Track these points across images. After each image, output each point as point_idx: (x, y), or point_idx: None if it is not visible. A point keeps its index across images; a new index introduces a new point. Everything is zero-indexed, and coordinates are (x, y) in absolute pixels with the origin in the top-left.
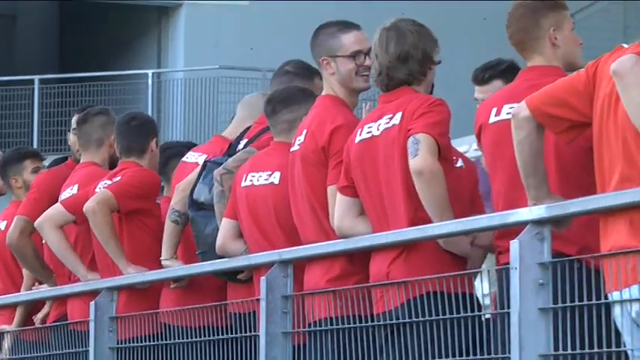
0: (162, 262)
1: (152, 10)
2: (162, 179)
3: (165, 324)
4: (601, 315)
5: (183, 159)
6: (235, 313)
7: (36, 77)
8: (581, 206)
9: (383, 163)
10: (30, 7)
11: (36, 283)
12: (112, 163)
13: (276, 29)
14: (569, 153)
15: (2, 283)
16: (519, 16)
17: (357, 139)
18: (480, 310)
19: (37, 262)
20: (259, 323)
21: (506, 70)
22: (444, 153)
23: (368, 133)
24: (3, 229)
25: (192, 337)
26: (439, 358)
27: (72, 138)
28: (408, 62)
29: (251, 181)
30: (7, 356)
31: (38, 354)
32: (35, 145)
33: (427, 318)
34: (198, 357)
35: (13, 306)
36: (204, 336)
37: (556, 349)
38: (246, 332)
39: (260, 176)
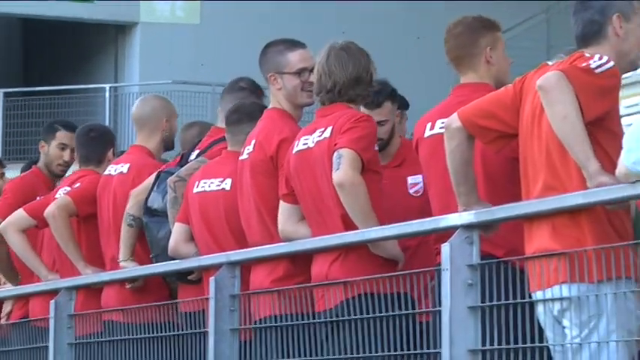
0: (120, 263)
1: (110, 29)
2: None
3: (112, 321)
4: (525, 313)
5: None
6: (186, 312)
7: (1, 90)
8: (507, 212)
9: (317, 173)
10: None
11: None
12: None
13: (224, 47)
14: (496, 163)
15: None
16: (458, 34)
17: (295, 150)
18: (413, 308)
19: (7, 264)
20: (208, 321)
21: (393, 92)
22: (369, 165)
23: (304, 144)
24: None
25: (140, 334)
26: (376, 353)
27: (54, 150)
28: (361, 84)
29: (203, 187)
30: None
31: (1, 349)
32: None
33: (364, 316)
34: (151, 352)
35: None
36: (152, 332)
37: (484, 344)
38: (195, 329)
39: (212, 182)
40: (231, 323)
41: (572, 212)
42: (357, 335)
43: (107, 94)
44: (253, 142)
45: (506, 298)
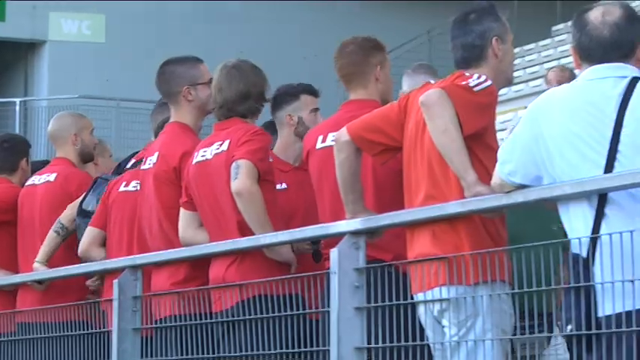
0: (34, 265)
1: (20, 46)
2: None
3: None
4: (408, 313)
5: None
6: (104, 311)
7: None
8: (391, 219)
9: (215, 183)
10: None
11: None
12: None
13: (128, 64)
14: (384, 174)
15: None
16: (351, 52)
17: (194, 161)
18: (304, 309)
19: None
20: (112, 321)
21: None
22: (264, 176)
23: (202, 156)
24: None
25: (57, 332)
26: (269, 350)
27: None
28: (249, 99)
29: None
30: None
31: None
32: None
33: (257, 316)
34: (61, 351)
35: None
36: (66, 331)
37: (369, 342)
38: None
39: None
40: (133, 323)
41: (452, 220)
42: (252, 334)
43: (17, 108)
44: (157, 154)
45: (390, 300)
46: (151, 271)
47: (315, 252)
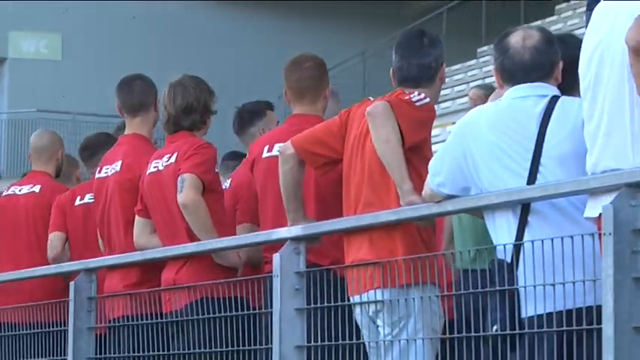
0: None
1: None
2: None
3: None
4: (345, 314)
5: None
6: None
7: None
8: (330, 227)
9: (166, 192)
10: None
11: None
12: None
13: (83, 80)
14: (325, 184)
15: None
16: (309, 67)
17: (148, 172)
18: (248, 310)
19: None
20: (69, 320)
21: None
22: (211, 186)
23: (155, 167)
24: None
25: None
26: (215, 349)
27: None
28: (192, 114)
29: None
30: None
31: None
32: None
33: (204, 316)
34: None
35: None
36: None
37: (309, 341)
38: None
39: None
40: (88, 322)
41: (388, 227)
42: (200, 333)
43: None
44: (120, 162)
45: (329, 302)
46: (105, 275)
47: None
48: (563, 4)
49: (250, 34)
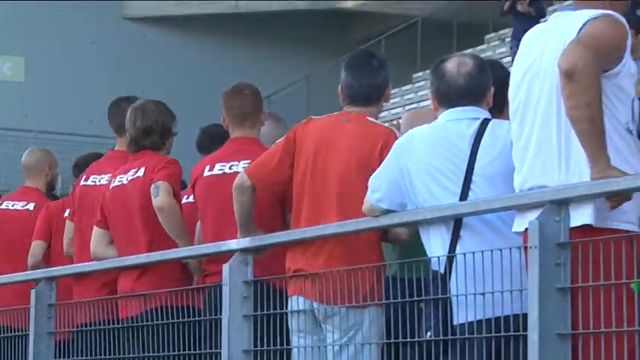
0: None
1: None
2: None
3: None
4: (283, 321)
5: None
6: None
7: None
8: (275, 239)
9: (130, 205)
10: None
11: None
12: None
13: (45, 100)
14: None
15: None
16: (249, 94)
17: (112, 185)
18: (199, 317)
19: None
20: (30, 325)
21: None
22: (177, 198)
23: (119, 182)
24: None
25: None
26: (166, 352)
27: None
28: (151, 135)
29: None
30: None
31: None
32: None
33: (158, 322)
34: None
35: None
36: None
37: (255, 345)
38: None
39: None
40: (47, 328)
41: (338, 239)
42: (153, 338)
43: None
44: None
45: (274, 308)
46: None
47: None
48: (492, 34)
49: (203, 59)
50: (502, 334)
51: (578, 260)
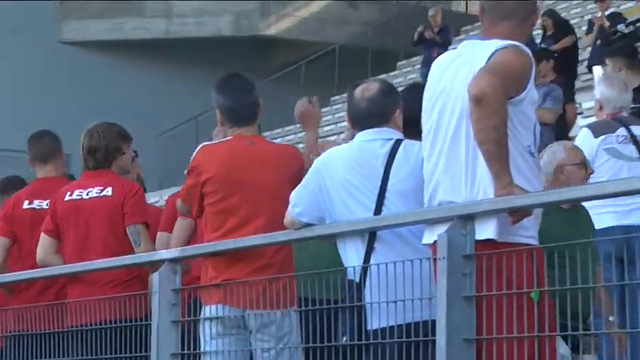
0: None
1: None
2: None
3: None
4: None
5: None
6: None
7: None
8: (200, 250)
9: (89, 220)
10: None
11: None
12: None
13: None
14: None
15: None
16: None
17: (67, 198)
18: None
19: None
20: None
21: None
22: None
23: (78, 196)
24: None
25: None
26: (102, 355)
27: None
28: (97, 153)
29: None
30: None
31: None
32: None
33: (97, 327)
34: None
35: None
36: None
37: (183, 349)
38: None
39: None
40: None
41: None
42: (94, 342)
43: None
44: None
45: (195, 315)
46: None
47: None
48: (404, 61)
49: (137, 82)
50: (412, 339)
51: (482, 271)
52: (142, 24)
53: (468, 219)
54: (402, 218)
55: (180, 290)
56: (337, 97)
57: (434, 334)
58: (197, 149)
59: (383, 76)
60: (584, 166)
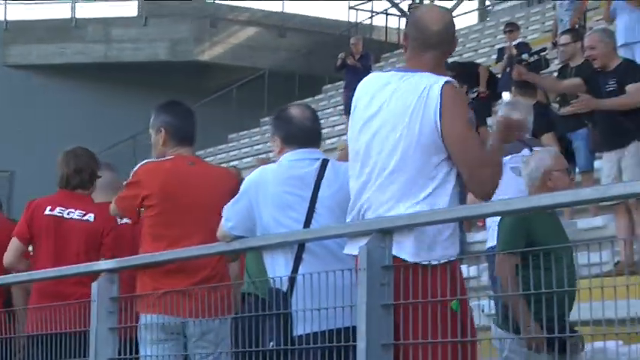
0: None
1: None
2: None
3: None
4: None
5: None
6: None
7: None
8: (138, 261)
9: (68, 238)
10: None
11: None
12: None
13: None
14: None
15: None
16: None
17: (47, 212)
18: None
19: None
20: None
21: None
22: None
23: (59, 213)
24: None
25: None
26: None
27: None
28: (79, 175)
29: None
30: None
31: None
32: None
33: (44, 332)
34: None
35: None
36: None
37: (120, 355)
38: None
39: None
40: None
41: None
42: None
43: None
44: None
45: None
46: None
47: None
48: (329, 85)
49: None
50: (335, 344)
51: (400, 282)
52: (82, 49)
53: (386, 233)
54: (327, 231)
55: (117, 299)
56: (267, 119)
57: (355, 339)
58: (139, 165)
59: (309, 99)
60: (568, 172)
